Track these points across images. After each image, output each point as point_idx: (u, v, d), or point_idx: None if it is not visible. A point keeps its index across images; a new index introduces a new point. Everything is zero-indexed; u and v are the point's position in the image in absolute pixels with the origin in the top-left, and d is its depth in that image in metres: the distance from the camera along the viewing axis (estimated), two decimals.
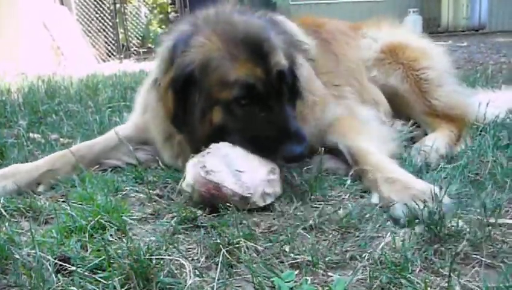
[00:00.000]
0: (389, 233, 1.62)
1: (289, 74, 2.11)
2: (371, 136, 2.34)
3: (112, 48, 16.50)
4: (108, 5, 16.32)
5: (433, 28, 17.07)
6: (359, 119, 2.54)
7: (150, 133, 2.44)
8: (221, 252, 1.43)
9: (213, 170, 1.84)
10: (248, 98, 1.98)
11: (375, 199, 1.93)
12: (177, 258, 1.37)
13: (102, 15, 16.35)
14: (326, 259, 1.47)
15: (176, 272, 1.35)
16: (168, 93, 2.05)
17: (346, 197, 2.01)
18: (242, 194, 1.82)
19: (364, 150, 2.18)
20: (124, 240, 1.51)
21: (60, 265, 1.42)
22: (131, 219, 1.79)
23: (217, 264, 1.43)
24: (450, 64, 3.15)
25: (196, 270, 1.36)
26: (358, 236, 1.64)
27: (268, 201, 1.88)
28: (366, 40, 3.14)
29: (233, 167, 1.87)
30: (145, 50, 18.31)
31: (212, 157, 1.89)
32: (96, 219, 1.63)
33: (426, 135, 2.80)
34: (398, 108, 3.00)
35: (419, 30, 15.48)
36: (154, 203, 1.95)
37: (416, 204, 1.67)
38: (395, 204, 1.77)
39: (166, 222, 1.72)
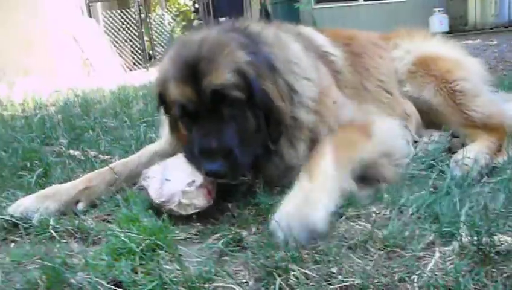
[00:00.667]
0: (436, 253, 1.61)
1: (236, 92, 2.05)
2: (361, 148, 2.24)
3: (138, 57, 16.80)
4: (134, 15, 16.62)
5: (459, 27, 16.76)
6: (372, 128, 2.38)
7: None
8: (271, 276, 1.44)
9: (148, 177, 2.13)
10: (184, 116, 2.14)
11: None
12: (230, 285, 1.39)
13: (128, 25, 16.67)
14: (375, 281, 1.47)
15: None
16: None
17: (387, 213, 2.00)
18: (155, 201, 2.04)
19: (322, 153, 2.13)
20: (175, 264, 1.54)
21: (114, 289, 1.46)
22: (176, 240, 1.82)
23: (266, 288, 1.45)
24: (483, 73, 3.10)
25: None
26: (404, 256, 1.63)
27: (190, 211, 2.01)
28: (398, 52, 3.11)
29: (165, 176, 2.08)
30: (172, 56, 18.53)
31: (157, 166, 2.19)
32: (145, 243, 1.67)
33: (464, 145, 2.74)
34: (434, 122, 2.95)
35: (446, 29, 15.23)
36: (197, 223, 1.97)
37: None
38: (275, 220, 1.73)
39: (213, 244, 1.74)
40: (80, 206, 2.29)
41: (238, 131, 2.06)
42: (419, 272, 1.51)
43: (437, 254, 1.60)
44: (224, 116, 2.05)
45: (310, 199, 1.82)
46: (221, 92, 2.03)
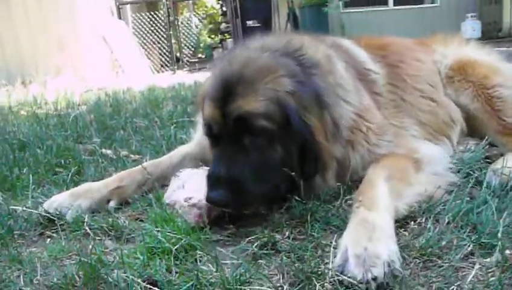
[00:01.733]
0: (476, 264, 1.57)
1: (265, 122, 1.96)
2: (413, 180, 2.11)
3: (165, 59, 17.01)
4: (162, 18, 16.84)
5: (493, 33, 16.33)
6: (411, 161, 2.26)
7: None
8: (307, 281, 1.43)
9: (176, 176, 2.25)
10: (210, 136, 2.12)
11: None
12: (267, 289, 1.38)
13: (156, 27, 16.90)
14: None
15: None
16: None
17: (423, 221, 1.96)
18: (165, 200, 2.15)
19: (372, 181, 2.02)
20: (210, 265, 1.54)
21: (149, 288, 1.47)
22: (209, 241, 1.83)
23: None
24: None
25: None
26: (441, 266, 1.59)
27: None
28: (436, 56, 3.05)
29: (184, 182, 2.15)
30: (196, 60, 18.75)
31: (190, 170, 2.30)
32: (180, 243, 1.67)
33: (502, 154, 2.67)
34: (471, 127, 2.89)
35: (478, 35, 14.88)
36: (230, 225, 1.98)
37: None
38: (349, 259, 1.53)
39: (246, 246, 1.74)
40: (111, 204, 2.32)
41: (257, 162, 1.96)
42: (458, 283, 1.47)
43: (477, 266, 1.56)
44: (245, 145, 1.97)
45: (377, 233, 1.63)
46: (246, 119, 1.96)
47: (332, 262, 1.57)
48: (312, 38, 2.51)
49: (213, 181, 1.92)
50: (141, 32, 16.68)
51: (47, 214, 2.16)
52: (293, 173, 2.01)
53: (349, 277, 1.46)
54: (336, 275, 1.49)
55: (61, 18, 11.80)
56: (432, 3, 17.51)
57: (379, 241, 1.59)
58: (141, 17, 16.75)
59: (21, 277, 1.66)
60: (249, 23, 18.08)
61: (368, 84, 2.54)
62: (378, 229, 1.65)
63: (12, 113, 5.17)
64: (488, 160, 2.64)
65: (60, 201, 2.23)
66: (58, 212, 2.17)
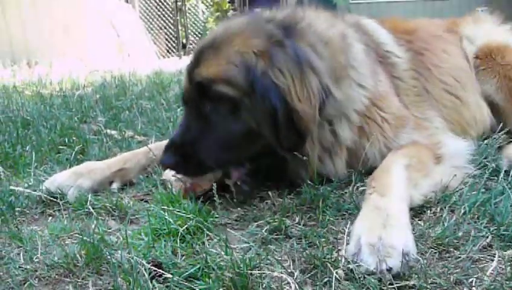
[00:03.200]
0: (496, 256, 1.50)
1: (226, 88, 1.84)
2: (421, 172, 1.96)
3: (171, 45, 16.88)
4: (170, 3, 16.69)
5: None
6: (437, 152, 2.14)
7: None
8: (319, 268, 1.36)
9: None
10: (182, 104, 2.11)
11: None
12: (279, 274, 1.31)
13: (163, 12, 16.75)
14: (430, 281, 1.37)
15: (273, 287, 1.30)
16: None
17: (438, 210, 1.88)
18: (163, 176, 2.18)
19: (387, 167, 1.92)
20: (218, 248, 1.47)
21: (154, 270, 1.41)
22: (216, 225, 1.76)
23: (313, 280, 1.37)
24: None
25: (297, 286, 1.30)
26: (458, 257, 1.52)
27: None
28: (464, 43, 2.87)
29: None
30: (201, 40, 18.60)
31: None
32: (186, 224, 1.61)
33: None
34: (494, 116, 2.76)
35: None
36: (238, 208, 1.91)
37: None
38: (362, 248, 1.44)
39: (256, 230, 1.67)
40: (114, 186, 2.27)
41: (217, 130, 1.88)
42: (477, 275, 1.40)
43: (496, 258, 1.49)
44: (205, 112, 1.90)
45: (391, 221, 1.54)
46: (205, 85, 1.87)
47: (345, 250, 1.50)
48: (330, 15, 2.40)
49: (167, 146, 1.94)
50: (148, 17, 16.54)
51: (48, 194, 2.10)
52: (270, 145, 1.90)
53: (362, 267, 1.38)
54: (349, 263, 1.43)
55: (68, 1, 11.68)
56: None
57: (394, 229, 1.50)
58: (148, 2, 16.59)
59: (21, 254, 1.60)
60: (257, 10, 17.91)
61: (387, 67, 2.40)
62: (392, 217, 1.56)
63: (17, 93, 5.11)
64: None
65: (60, 180, 2.17)
66: (59, 191, 2.11)
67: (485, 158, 2.40)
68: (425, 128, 2.31)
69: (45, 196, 2.09)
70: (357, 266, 1.39)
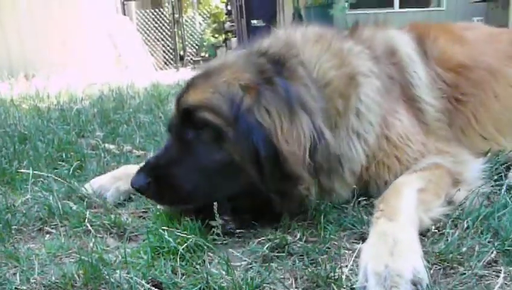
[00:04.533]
0: (501, 272, 1.47)
1: (211, 115, 1.74)
2: (435, 196, 1.86)
3: (169, 57, 16.93)
4: (167, 15, 16.78)
5: None
6: (457, 178, 2.01)
7: None
8: (322, 287, 1.34)
9: None
10: (167, 131, 2.02)
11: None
12: None
13: (161, 24, 16.83)
14: None
15: None
16: None
17: (440, 225, 1.86)
18: None
19: (398, 188, 1.82)
20: (219, 267, 1.45)
21: None
22: (216, 243, 1.73)
23: None
24: None
25: None
26: (463, 273, 1.50)
27: None
28: None
29: None
30: (199, 59, 18.68)
31: None
32: (186, 243, 1.58)
33: None
34: None
35: None
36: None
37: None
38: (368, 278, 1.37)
39: (257, 248, 1.64)
40: None
41: (196, 158, 1.77)
42: None
43: (502, 274, 1.46)
44: (188, 139, 1.81)
45: (399, 247, 1.46)
46: (190, 111, 1.79)
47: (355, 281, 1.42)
48: (348, 47, 2.13)
49: (141, 167, 1.86)
50: (145, 29, 16.61)
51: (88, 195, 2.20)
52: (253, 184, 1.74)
53: None
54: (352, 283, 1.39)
55: (66, 13, 11.72)
56: (438, 6, 17.42)
57: (401, 257, 1.41)
58: (145, 14, 16.68)
59: (17, 274, 1.57)
60: (254, 22, 17.96)
61: (413, 110, 2.17)
62: (400, 243, 1.47)
63: (14, 106, 5.08)
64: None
65: (101, 183, 2.27)
66: (98, 193, 2.21)
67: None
68: (450, 155, 2.11)
69: (45, 210, 2.08)
70: None
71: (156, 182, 1.77)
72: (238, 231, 1.77)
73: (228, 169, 1.75)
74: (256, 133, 1.70)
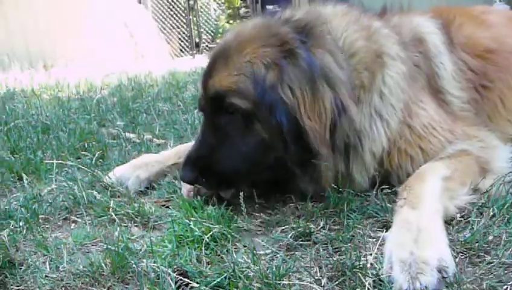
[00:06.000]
0: None
1: (239, 100, 1.79)
2: (461, 184, 1.82)
3: (184, 44, 16.92)
4: (182, 3, 16.72)
5: None
6: (485, 167, 1.96)
7: None
8: (347, 275, 1.33)
9: None
10: (200, 111, 2.08)
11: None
12: (307, 283, 1.29)
13: (176, 12, 16.79)
14: (463, 287, 1.33)
15: None
16: None
17: (465, 212, 1.83)
18: None
19: (422, 176, 1.79)
20: (244, 257, 1.45)
21: (180, 279, 1.39)
22: (240, 231, 1.74)
23: (341, 287, 1.34)
24: None
25: None
26: (490, 262, 1.47)
27: None
28: None
29: None
30: (214, 45, 18.65)
31: None
32: (211, 231, 1.59)
33: None
34: None
35: None
36: (260, 213, 1.89)
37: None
38: (393, 265, 1.36)
39: (280, 236, 1.65)
40: (167, 179, 2.33)
41: (232, 142, 1.85)
42: (511, 282, 1.36)
43: None
44: (221, 124, 1.87)
45: (423, 235, 1.45)
46: (219, 98, 1.84)
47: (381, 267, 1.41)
48: (377, 25, 2.10)
49: (185, 160, 1.94)
50: (160, 17, 16.60)
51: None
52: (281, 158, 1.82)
53: (395, 286, 1.29)
54: (377, 271, 1.39)
55: (82, 3, 11.77)
56: None
57: (426, 244, 1.40)
58: (160, 2, 16.65)
59: (47, 263, 1.60)
60: (269, 7, 17.81)
61: (438, 100, 2.13)
62: (424, 231, 1.46)
63: (35, 96, 5.16)
64: None
65: (121, 172, 2.31)
66: (119, 182, 2.25)
67: None
68: (478, 140, 2.05)
69: (70, 199, 2.13)
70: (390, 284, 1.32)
71: (202, 173, 1.86)
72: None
73: (260, 148, 1.84)
74: (279, 110, 1.75)
